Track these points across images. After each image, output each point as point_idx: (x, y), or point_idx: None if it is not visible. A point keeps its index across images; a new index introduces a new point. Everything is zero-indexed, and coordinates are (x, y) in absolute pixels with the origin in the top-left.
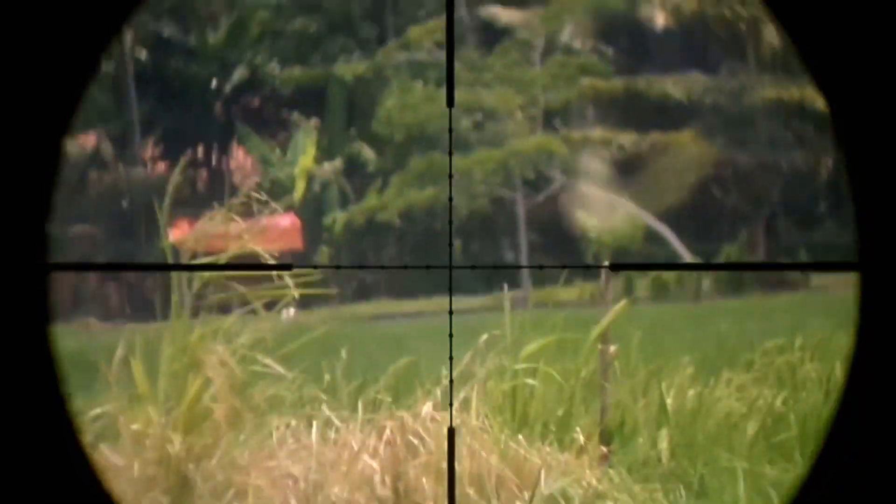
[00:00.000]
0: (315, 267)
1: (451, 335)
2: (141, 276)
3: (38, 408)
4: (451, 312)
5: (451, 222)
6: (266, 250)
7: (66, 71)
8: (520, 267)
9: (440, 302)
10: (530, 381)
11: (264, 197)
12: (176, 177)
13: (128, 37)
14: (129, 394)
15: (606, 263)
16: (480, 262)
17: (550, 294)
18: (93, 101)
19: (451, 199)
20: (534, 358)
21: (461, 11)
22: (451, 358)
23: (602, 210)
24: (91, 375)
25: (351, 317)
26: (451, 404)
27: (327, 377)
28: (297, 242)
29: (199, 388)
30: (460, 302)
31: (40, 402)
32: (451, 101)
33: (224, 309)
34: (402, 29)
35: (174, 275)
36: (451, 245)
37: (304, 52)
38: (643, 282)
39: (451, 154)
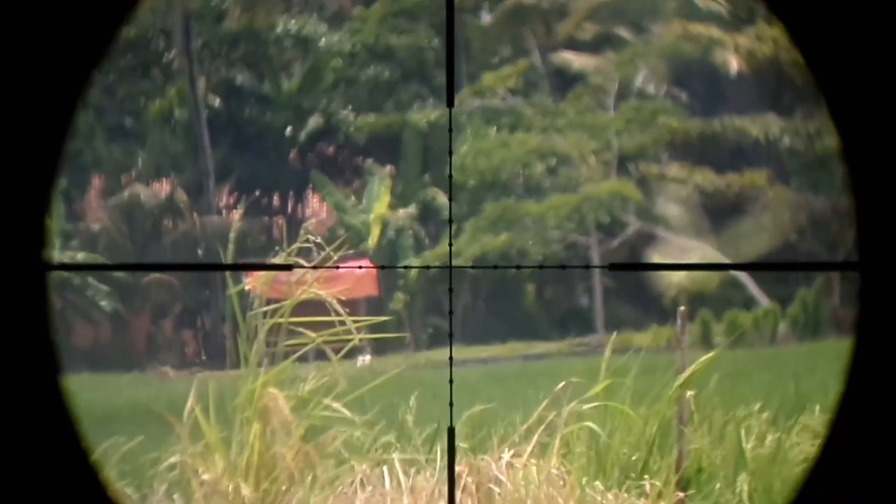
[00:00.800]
0: (315, 267)
1: (451, 335)
2: (216, 324)
3: (38, 407)
4: (450, 312)
5: (450, 221)
6: (337, 296)
7: (66, 71)
8: (521, 267)
9: (514, 347)
10: (605, 426)
11: (318, 239)
12: (236, 224)
13: (201, 84)
14: (200, 443)
15: (608, 264)
16: (554, 309)
17: (626, 339)
18: (166, 148)
19: (450, 199)
20: (608, 401)
21: (534, 57)
22: (450, 359)
23: (677, 254)
24: (165, 425)
25: (426, 363)
26: (451, 405)
27: (402, 423)
28: (372, 289)
29: (266, 434)
30: (536, 347)
31: (40, 401)
32: (450, 102)
33: (295, 356)
34: (476, 75)
35: (242, 323)
36: (451, 245)
37: (378, 100)
38: (719, 326)
39: (450, 153)
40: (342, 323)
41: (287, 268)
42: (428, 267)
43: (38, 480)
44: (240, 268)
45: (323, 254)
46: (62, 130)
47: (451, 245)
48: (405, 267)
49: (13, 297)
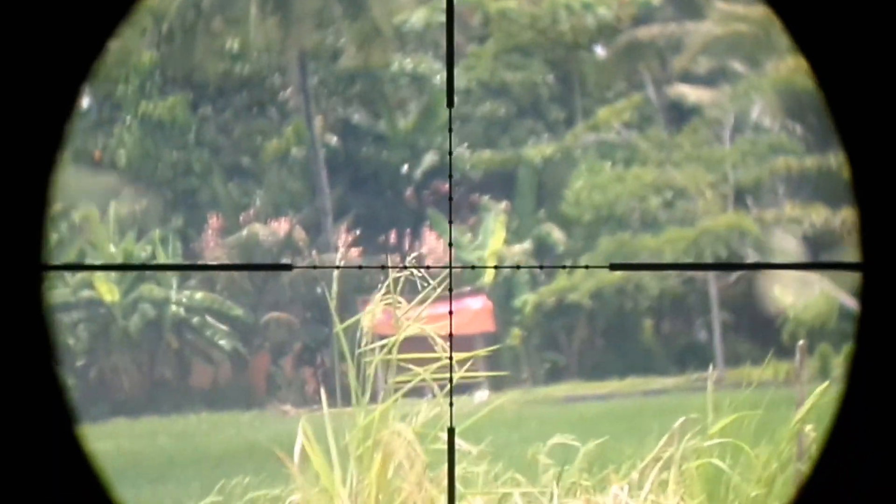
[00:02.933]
0: (315, 268)
1: (450, 335)
2: (335, 362)
3: (37, 407)
4: (450, 312)
5: (450, 222)
6: (443, 331)
7: (64, 69)
8: (517, 267)
9: (632, 383)
10: (725, 463)
11: (420, 273)
12: (339, 259)
13: (318, 122)
14: (317, 481)
15: (609, 264)
16: (673, 343)
17: (744, 374)
18: (284, 187)
19: (450, 199)
20: (727, 436)
21: (649, 91)
22: (451, 359)
23: (798, 287)
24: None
25: (543, 398)
26: (451, 404)
27: (528, 460)
28: (488, 324)
29: (384, 468)
30: (654, 382)
31: (39, 401)
32: (450, 102)
33: (403, 391)
34: (590, 110)
35: (350, 360)
36: (451, 245)
37: (493, 136)
38: (838, 360)
39: (450, 153)
40: (446, 359)
41: (287, 267)
42: (428, 267)
43: (33, 473)
44: (239, 268)
45: (427, 287)
46: (60, 128)
47: (451, 245)
48: (404, 267)
49: (11, 298)
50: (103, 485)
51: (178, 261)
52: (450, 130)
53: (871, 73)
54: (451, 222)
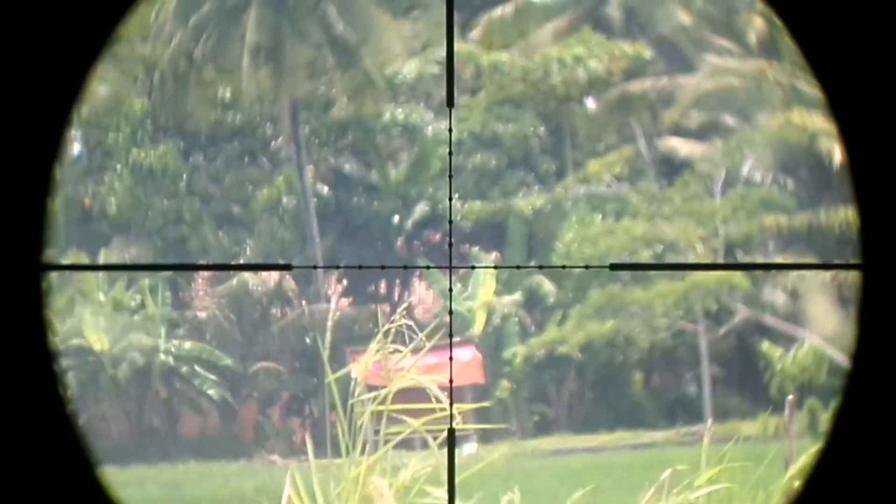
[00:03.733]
0: (314, 267)
1: (450, 334)
2: (324, 412)
3: (36, 407)
4: (451, 312)
5: (451, 221)
6: (437, 382)
7: (63, 69)
8: (520, 267)
9: (622, 436)
10: None
11: (410, 322)
12: (333, 311)
13: (309, 172)
14: None
15: (608, 264)
16: (663, 396)
17: (733, 428)
18: (274, 236)
19: (451, 199)
20: (715, 489)
21: (640, 144)
22: (450, 359)
23: (785, 342)
24: None
25: (532, 451)
26: (451, 404)
27: None
28: (478, 376)
29: None
30: (643, 436)
31: (38, 401)
32: (450, 102)
33: (394, 442)
34: (581, 163)
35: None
36: (450, 245)
37: (484, 187)
38: (826, 415)
39: (450, 153)
40: (442, 410)
41: (287, 267)
42: (428, 267)
43: (33, 471)
44: (239, 268)
45: (417, 339)
46: (59, 128)
47: (450, 246)
48: (405, 267)
49: (11, 298)
50: (101, 483)
51: (168, 311)
52: (450, 131)
53: (871, 73)
54: (451, 222)
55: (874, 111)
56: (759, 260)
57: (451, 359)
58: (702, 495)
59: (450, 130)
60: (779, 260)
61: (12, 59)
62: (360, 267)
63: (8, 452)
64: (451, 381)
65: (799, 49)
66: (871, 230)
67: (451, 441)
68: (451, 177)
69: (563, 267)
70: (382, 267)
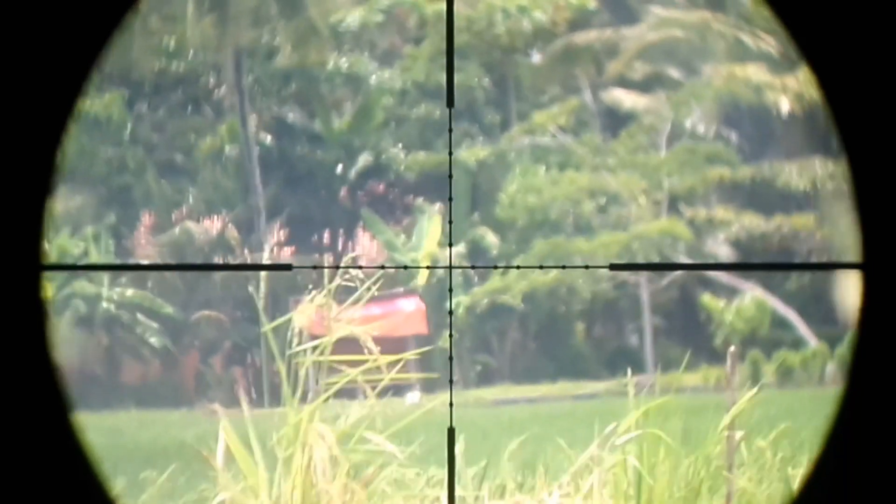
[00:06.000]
0: (315, 267)
1: (451, 335)
2: (268, 362)
3: (36, 407)
4: (450, 312)
5: (451, 222)
6: (374, 332)
7: (63, 67)
8: (520, 267)
9: (563, 387)
10: (652, 465)
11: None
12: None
13: (252, 121)
14: (242, 482)
15: (609, 264)
16: (605, 347)
17: (675, 379)
18: (217, 185)
19: (451, 199)
20: (655, 442)
21: (585, 96)
22: (450, 358)
23: (728, 294)
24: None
25: (474, 401)
26: (451, 404)
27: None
28: (421, 327)
29: (311, 470)
30: (585, 387)
31: (38, 401)
32: (450, 102)
33: (333, 390)
34: (526, 114)
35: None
36: (450, 245)
37: (429, 138)
38: (769, 367)
39: (450, 153)
40: (375, 361)
41: (287, 267)
42: (430, 267)
43: (31, 473)
44: (238, 268)
45: (362, 288)
46: (60, 126)
47: (450, 245)
48: (405, 267)
49: (10, 298)
50: (101, 483)
51: (111, 259)
52: (450, 131)
53: (871, 73)
54: (451, 222)
55: (874, 111)
56: (703, 212)
57: (451, 359)
58: (630, 442)
59: (450, 131)
60: (720, 212)
61: (12, 58)
62: (361, 267)
63: (7, 452)
64: (451, 382)
65: (798, 49)
66: (871, 230)
67: (452, 441)
68: (450, 177)
69: (563, 267)
70: (382, 267)
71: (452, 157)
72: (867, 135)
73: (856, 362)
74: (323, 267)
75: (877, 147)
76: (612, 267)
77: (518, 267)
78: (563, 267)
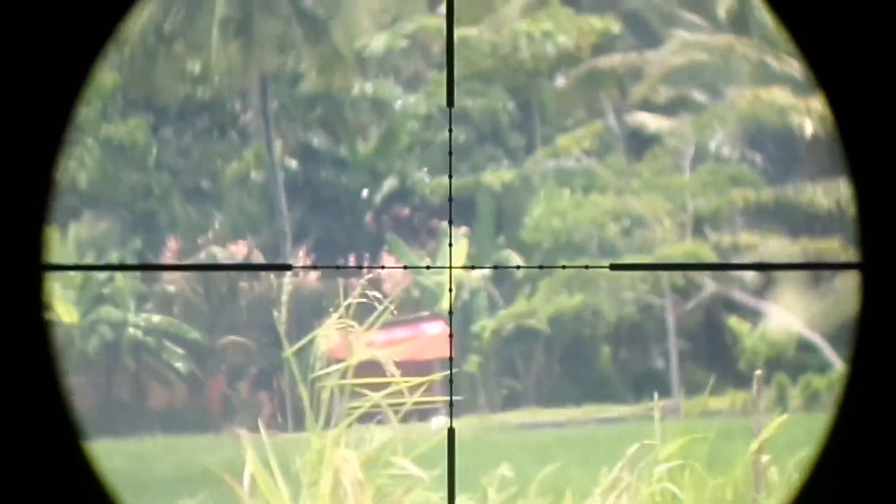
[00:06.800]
0: (315, 268)
1: (451, 335)
2: (291, 387)
3: (36, 408)
4: (450, 312)
5: (451, 222)
6: (397, 357)
7: (63, 71)
8: (520, 267)
9: (588, 410)
10: (679, 491)
11: (375, 294)
12: (286, 285)
13: (277, 146)
14: None
15: (608, 265)
16: (630, 370)
17: (701, 403)
18: (243, 210)
19: (450, 200)
20: (681, 463)
21: (609, 119)
22: (451, 359)
23: (752, 317)
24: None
25: (499, 425)
26: (451, 404)
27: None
28: (445, 350)
29: (334, 495)
30: (611, 410)
31: (38, 402)
32: (450, 102)
33: (356, 415)
34: (550, 138)
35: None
36: (450, 245)
37: (453, 162)
38: (795, 391)
39: (450, 154)
40: (397, 385)
41: (287, 267)
42: (428, 267)
43: (32, 474)
44: (238, 268)
45: (380, 308)
46: (61, 126)
47: (450, 245)
48: (405, 267)
49: (11, 298)
50: (104, 487)
51: (136, 284)
52: (450, 131)
53: (871, 73)
54: (451, 222)
55: (874, 110)
56: (728, 237)
57: (450, 359)
58: (664, 469)
59: (450, 131)
60: (744, 236)
61: (12, 58)
62: (360, 267)
63: (7, 453)
64: (451, 382)
65: (798, 48)
66: (871, 230)
67: (452, 441)
68: (450, 177)
69: (563, 267)
70: (382, 267)
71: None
72: (867, 134)
73: (856, 362)
74: (323, 267)
75: (877, 147)
76: (612, 267)
77: (518, 267)
78: (564, 267)
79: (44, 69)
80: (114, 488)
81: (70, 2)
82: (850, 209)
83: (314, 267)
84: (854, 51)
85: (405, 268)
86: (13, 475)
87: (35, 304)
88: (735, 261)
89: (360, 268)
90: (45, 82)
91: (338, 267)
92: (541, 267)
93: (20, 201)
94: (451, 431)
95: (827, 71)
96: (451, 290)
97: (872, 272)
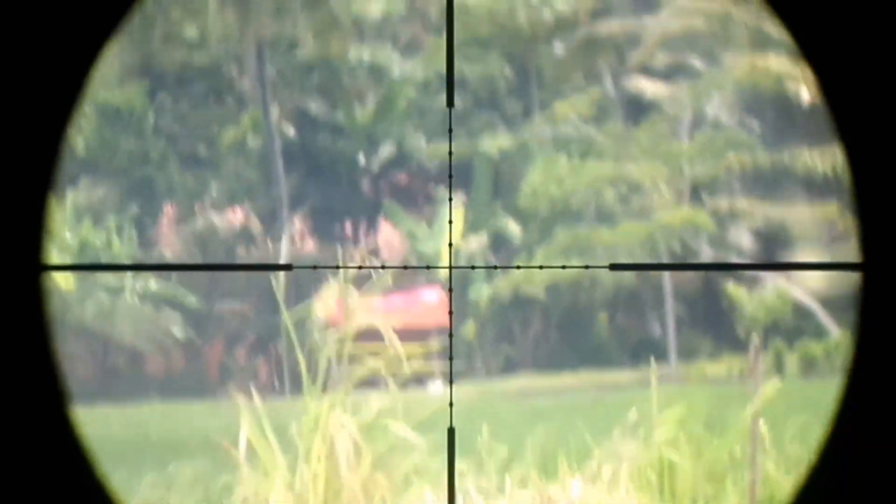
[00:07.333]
0: (315, 268)
1: (450, 334)
2: (291, 351)
3: (36, 408)
4: (451, 312)
5: (450, 222)
6: (413, 325)
7: (63, 69)
8: (521, 267)
9: (586, 377)
10: (677, 457)
11: (376, 262)
12: (284, 249)
13: (274, 112)
14: (262, 471)
15: (609, 264)
16: (628, 338)
17: (698, 369)
18: (240, 176)
19: (450, 199)
20: (680, 430)
21: (607, 85)
22: (451, 358)
23: (750, 283)
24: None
25: (497, 392)
26: (451, 405)
27: (476, 450)
28: (443, 318)
29: (330, 459)
30: (607, 376)
31: (38, 403)
32: (450, 102)
33: (354, 381)
34: (548, 104)
35: (298, 349)
36: (451, 245)
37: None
38: (792, 357)
39: (450, 154)
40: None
41: (287, 267)
42: (428, 267)
43: (31, 473)
44: (237, 268)
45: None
46: (60, 127)
47: (450, 245)
48: (405, 267)
49: (11, 298)
50: (101, 484)
51: (134, 251)
52: (450, 130)
53: (871, 72)
54: (450, 222)
55: (874, 110)
56: (725, 202)
57: (450, 359)
58: (661, 435)
59: (450, 131)
60: (742, 201)
61: (12, 58)
62: (360, 267)
63: (7, 453)
64: (451, 382)
65: (797, 48)
66: (871, 230)
67: (452, 440)
68: (450, 177)
69: (563, 267)
70: (382, 267)
71: (453, 153)
72: (867, 134)
73: (856, 363)
74: (323, 267)
75: (877, 146)
76: (612, 267)
77: (518, 267)
78: (563, 267)
79: (44, 69)
80: (107, 483)
81: (70, 1)
82: (846, 175)
83: (314, 267)
84: (853, 50)
85: (405, 268)
86: (11, 475)
87: (35, 304)
88: (732, 226)
89: (360, 267)
90: (45, 82)
91: (337, 267)
92: (540, 267)
93: (20, 201)
94: (451, 431)
95: (826, 70)
96: (451, 286)
97: (872, 272)
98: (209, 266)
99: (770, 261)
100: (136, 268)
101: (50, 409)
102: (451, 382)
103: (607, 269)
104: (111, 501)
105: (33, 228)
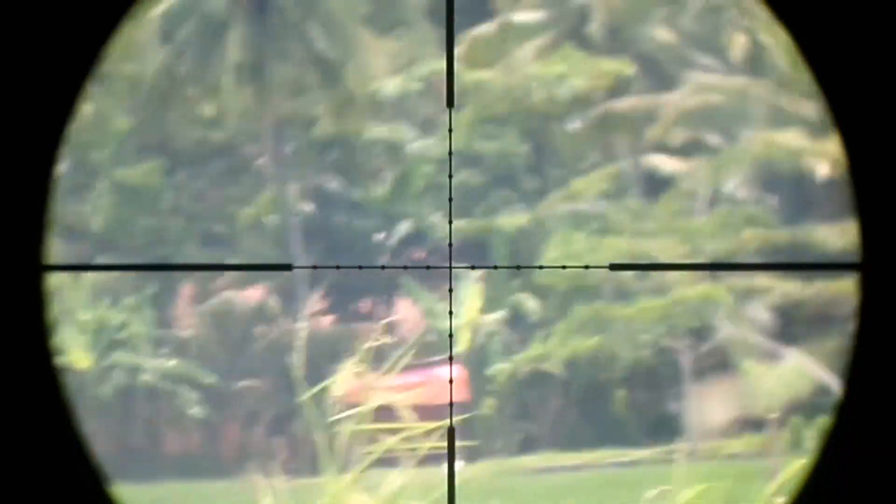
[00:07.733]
0: (315, 268)
1: (451, 335)
2: (308, 432)
3: (36, 408)
4: (451, 313)
5: (450, 222)
6: (413, 402)
7: (64, 69)
8: (520, 267)
9: (605, 454)
10: None
11: (389, 340)
12: (303, 330)
13: (292, 190)
14: None
15: (609, 264)
16: (646, 414)
17: (718, 446)
18: (258, 254)
19: (450, 200)
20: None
21: (624, 162)
22: (450, 358)
23: (769, 359)
24: None
25: (516, 469)
26: (451, 404)
27: None
28: (462, 394)
29: None
30: (627, 454)
31: (38, 402)
32: (450, 102)
33: (371, 460)
34: (564, 180)
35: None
36: (450, 245)
37: (467, 205)
38: (810, 433)
39: (450, 154)
40: (411, 429)
41: (287, 267)
42: (428, 267)
43: (31, 470)
44: (237, 268)
45: (398, 354)
46: (60, 124)
47: (450, 246)
48: (404, 267)
49: (11, 298)
50: (101, 479)
51: (152, 330)
52: (450, 131)
53: (871, 72)
54: (450, 222)
55: (874, 110)
56: (743, 279)
57: (450, 359)
58: None
59: (450, 130)
60: (763, 279)
61: (12, 58)
62: (360, 267)
63: (7, 453)
64: (450, 382)
65: (797, 48)
66: (871, 230)
67: (451, 440)
68: (450, 177)
69: (563, 267)
70: (382, 267)
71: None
72: (867, 134)
73: (855, 363)
74: (323, 267)
75: (876, 146)
76: (612, 267)
77: (518, 267)
78: (564, 267)
79: (44, 68)
80: (106, 478)
81: (70, 1)
82: (846, 175)
83: (314, 267)
84: (853, 51)
85: (405, 268)
86: (11, 472)
87: (35, 304)
88: (751, 305)
89: (360, 267)
90: (45, 81)
91: (338, 267)
92: (540, 267)
93: (20, 201)
94: (451, 430)
95: (826, 70)
96: (450, 290)
97: (872, 272)
98: (210, 266)
99: (786, 341)
100: (137, 268)
101: (50, 409)
102: (450, 383)
103: (607, 269)
104: None
105: (33, 228)
